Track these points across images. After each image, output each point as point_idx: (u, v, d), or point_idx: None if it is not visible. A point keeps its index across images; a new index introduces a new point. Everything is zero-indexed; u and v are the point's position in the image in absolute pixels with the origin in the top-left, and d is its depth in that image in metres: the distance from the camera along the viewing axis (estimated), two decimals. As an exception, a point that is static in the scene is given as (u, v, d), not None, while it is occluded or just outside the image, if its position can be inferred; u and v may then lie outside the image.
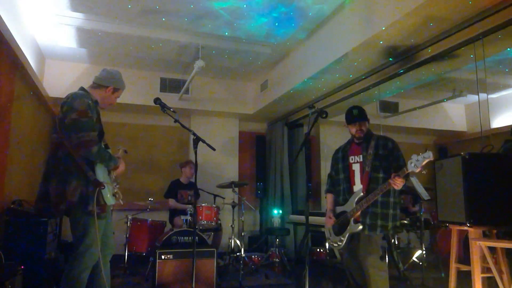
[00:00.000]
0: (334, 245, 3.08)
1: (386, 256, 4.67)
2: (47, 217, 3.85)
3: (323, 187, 7.15)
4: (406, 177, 2.78)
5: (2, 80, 3.86)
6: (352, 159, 3.10)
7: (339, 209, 3.11)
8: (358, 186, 3.00)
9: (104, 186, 2.46)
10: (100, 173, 2.52)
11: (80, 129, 2.42)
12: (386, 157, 2.93)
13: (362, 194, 2.92)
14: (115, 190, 2.68)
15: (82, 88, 2.72)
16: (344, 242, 2.97)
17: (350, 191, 3.05)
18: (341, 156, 3.19)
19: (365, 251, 2.85)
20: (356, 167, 3.05)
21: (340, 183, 3.14)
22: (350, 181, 3.07)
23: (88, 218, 2.45)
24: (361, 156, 3.02)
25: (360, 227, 2.87)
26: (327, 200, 3.27)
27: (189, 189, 5.41)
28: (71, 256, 2.52)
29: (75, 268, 2.46)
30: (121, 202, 2.72)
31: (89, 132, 2.45)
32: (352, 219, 2.93)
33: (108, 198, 2.54)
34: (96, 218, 2.42)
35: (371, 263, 2.79)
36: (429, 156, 2.54)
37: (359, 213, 2.91)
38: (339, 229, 3.04)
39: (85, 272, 2.49)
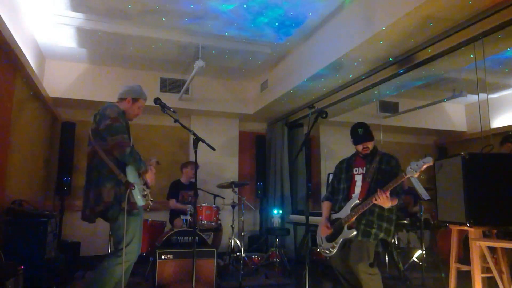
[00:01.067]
0: (326, 251, 3.08)
1: (386, 259, 4.70)
2: (50, 218, 3.86)
3: (323, 187, 7.16)
4: (398, 196, 2.83)
5: (2, 80, 3.86)
6: (356, 170, 3.14)
7: (333, 216, 3.13)
8: (356, 194, 3.02)
9: (135, 187, 2.65)
10: (131, 175, 2.70)
11: (114, 132, 2.66)
12: (388, 172, 2.95)
13: (357, 201, 2.94)
14: (145, 192, 2.83)
15: (110, 103, 2.92)
16: (336, 248, 2.98)
17: (347, 200, 3.07)
18: (345, 167, 3.23)
19: (356, 257, 2.85)
20: (359, 178, 3.09)
21: (341, 193, 3.17)
22: (349, 190, 3.11)
23: (123, 216, 2.62)
24: (364, 168, 3.07)
25: (354, 233, 2.89)
26: (323, 208, 3.28)
27: (189, 190, 5.41)
28: (112, 251, 2.76)
29: (113, 260, 2.66)
30: (151, 203, 2.88)
31: (123, 134, 2.67)
32: (346, 225, 2.95)
33: (139, 198, 2.71)
34: (128, 215, 2.61)
35: (361, 269, 2.79)
36: (428, 161, 2.57)
37: (353, 219, 2.92)
38: (332, 236, 3.06)
39: (119, 267, 2.65)
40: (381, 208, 2.92)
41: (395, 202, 2.85)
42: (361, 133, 3.06)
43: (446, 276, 3.71)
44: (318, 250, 3.26)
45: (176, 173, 5.80)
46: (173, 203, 5.31)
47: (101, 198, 2.62)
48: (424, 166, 2.58)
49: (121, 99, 2.97)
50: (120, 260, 2.64)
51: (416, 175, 2.62)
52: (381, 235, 2.92)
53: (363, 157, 3.12)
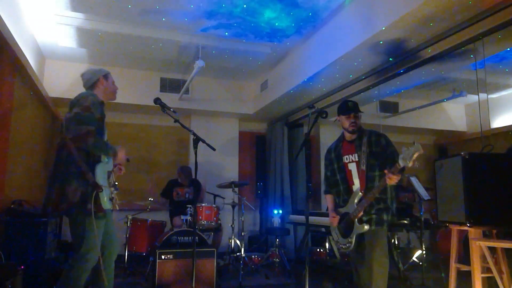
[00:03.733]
0: (343, 247, 3.06)
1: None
2: (50, 217, 3.85)
3: (323, 187, 7.15)
4: (402, 171, 2.78)
5: (2, 80, 3.86)
6: (346, 159, 3.08)
7: (341, 210, 3.10)
8: (357, 186, 2.99)
9: (102, 190, 2.47)
10: (100, 176, 2.53)
11: (80, 122, 2.45)
12: (380, 154, 2.91)
13: (360, 194, 2.92)
14: (112, 195, 2.69)
15: (87, 91, 2.74)
16: (353, 244, 2.96)
17: (349, 192, 3.04)
18: (335, 157, 3.17)
19: (371, 245, 2.84)
20: (353, 167, 3.03)
21: (338, 184, 3.13)
22: (348, 182, 3.07)
23: (88, 219, 2.45)
24: (356, 155, 3.01)
25: (366, 227, 2.86)
26: (327, 201, 3.26)
27: (186, 187, 5.41)
28: (72, 258, 2.53)
29: (75, 270, 2.47)
30: (117, 207, 2.75)
31: (88, 126, 2.45)
32: (356, 219, 2.92)
33: (105, 201, 2.54)
34: (94, 217, 2.43)
35: (375, 257, 2.78)
36: (417, 149, 2.49)
37: (362, 213, 2.90)
38: (345, 231, 3.03)
39: (84, 274, 2.50)
40: (383, 192, 2.90)
41: (399, 176, 2.76)
42: (350, 105, 3.01)
43: (446, 276, 3.71)
44: (336, 246, 3.21)
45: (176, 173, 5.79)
46: (162, 201, 5.41)
47: (65, 196, 2.43)
48: (415, 155, 2.50)
49: (94, 84, 2.77)
50: (84, 267, 2.49)
51: (410, 164, 2.53)
52: (390, 218, 2.91)
53: (351, 141, 3.05)
